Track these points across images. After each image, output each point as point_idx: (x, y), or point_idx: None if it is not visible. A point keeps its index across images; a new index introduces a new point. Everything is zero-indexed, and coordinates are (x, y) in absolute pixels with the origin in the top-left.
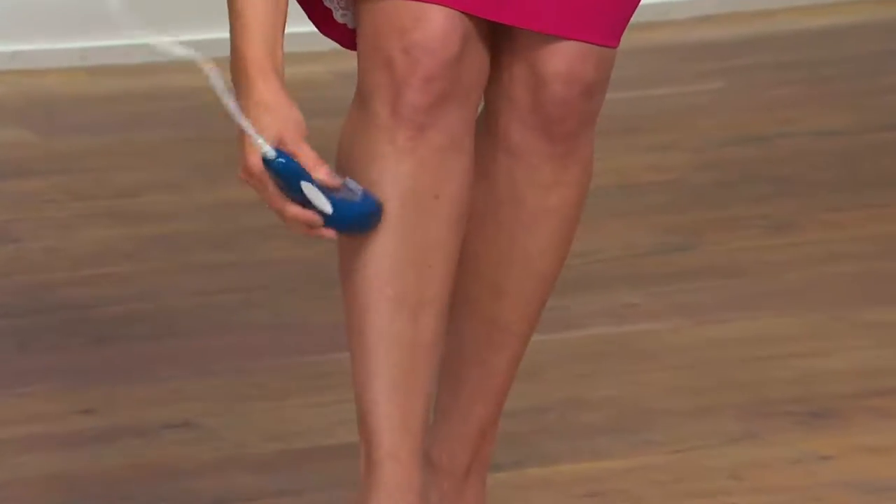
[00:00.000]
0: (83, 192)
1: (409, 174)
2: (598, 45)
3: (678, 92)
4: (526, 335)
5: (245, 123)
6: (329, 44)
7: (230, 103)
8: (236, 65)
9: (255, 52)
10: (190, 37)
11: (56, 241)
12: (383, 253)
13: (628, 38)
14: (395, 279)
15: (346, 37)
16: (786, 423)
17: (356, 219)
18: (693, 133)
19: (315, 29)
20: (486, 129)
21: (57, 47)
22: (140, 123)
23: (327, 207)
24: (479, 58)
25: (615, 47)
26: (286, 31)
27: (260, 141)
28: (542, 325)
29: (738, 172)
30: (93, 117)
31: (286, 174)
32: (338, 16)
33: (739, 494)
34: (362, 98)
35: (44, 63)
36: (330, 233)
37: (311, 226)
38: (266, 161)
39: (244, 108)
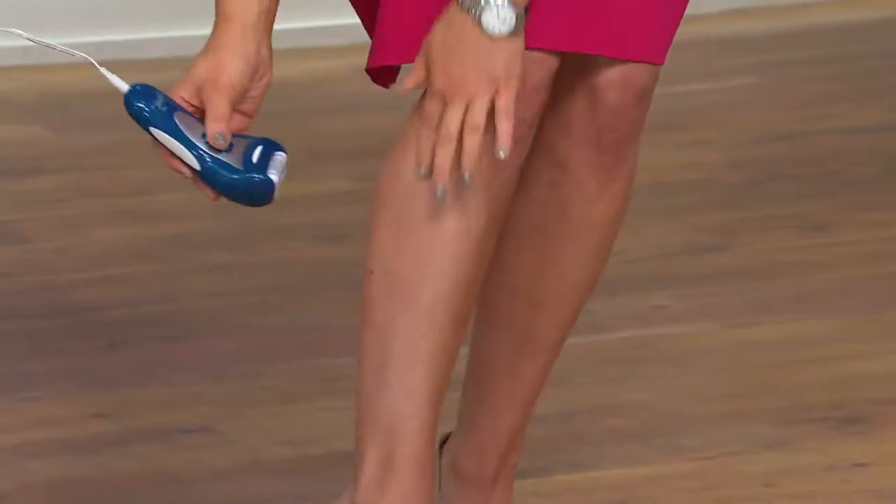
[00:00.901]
0: (96, 191)
1: (501, 190)
2: (648, 63)
3: (710, 88)
4: (558, 345)
5: (100, 67)
6: (347, 39)
7: (77, 54)
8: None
9: (228, 4)
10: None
11: (68, 241)
12: (461, 270)
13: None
14: (462, 294)
15: (386, 76)
16: (820, 429)
17: (225, 186)
18: (726, 130)
19: (332, 23)
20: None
21: (70, 42)
22: None
23: (193, 163)
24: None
25: (662, 64)
26: (304, 25)
27: (116, 81)
28: None
29: (772, 170)
30: (107, 113)
31: (137, 118)
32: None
33: (772, 502)
34: None
35: (57, 58)
36: (204, 188)
37: (184, 177)
38: (125, 102)
39: (198, 55)
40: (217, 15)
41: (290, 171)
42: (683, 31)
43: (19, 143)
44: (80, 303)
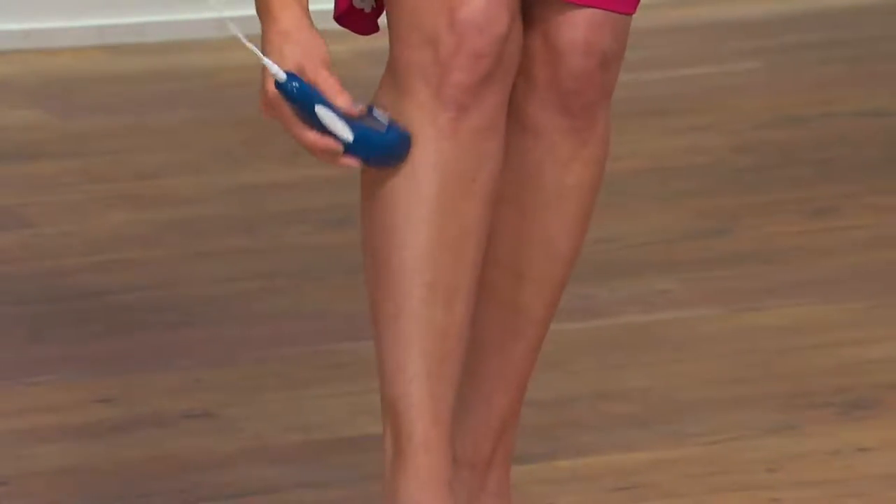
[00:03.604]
0: (99, 175)
1: (451, 156)
2: (615, 12)
3: (715, 71)
4: (546, 320)
5: (254, 49)
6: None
7: (236, 30)
8: (259, 2)
9: None
10: None
11: (71, 226)
12: (421, 236)
13: (663, 15)
14: (431, 264)
15: (362, 23)
16: (825, 415)
17: (379, 148)
18: (730, 114)
19: (330, 7)
20: None
21: (72, 25)
22: (159, 104)
23: (347, 134)
24: (518, 36)
25: (632, 14)
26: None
27: (270, 64)
28: (570, 313)
29: (778, 155)
30: (109, 98)
31: (298, 98)
32: (356, 0)
33: (776, 488)
34: (397, 75)
35: (59, 42)
36: (352, 161)
37: (331, 153)
38: (278, 86)
39: (267, 40)
40: (269, 1)
41: (292, 156)
42: (687, 15)
43: (22, 127)
44: (84, 288)
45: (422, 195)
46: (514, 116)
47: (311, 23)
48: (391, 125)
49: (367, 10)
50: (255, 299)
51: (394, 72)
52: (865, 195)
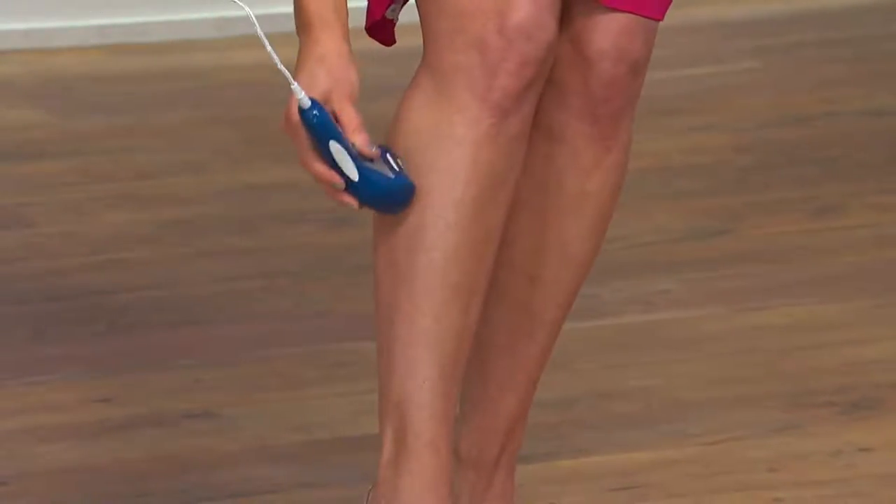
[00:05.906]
0: (100, 175)
1: (489, 161)
2: (647, 17)
3: (718, 71)
4: (558, 323)
5: (285, 71)
6: (355, 21)
7: (270, 50)
8: (300, 18)
9: (318, 5)
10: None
11: (72, 226)
12: (451, 239)
13: (666, 15)
14: (458, 266)
15: (389, 34)
16: (827, 414)
17: (381, 194)
18: (733, 114)
19: None
20: None
21: (73, 25)
22: (159, 103)
23: (353, 173)
24: (556, 43)
25: (661, 20)
26: None
27: (297, 90)
28: (572, 313)
29: (781, 155)
30: (110, 97)
31: (317, 129)
32: (388, 11)
33: (777, 488)
34: (438, 78)
35: (59, 41)
36: (350, 199)
37: (333, 188)
38: (301, 112)
39: (302, 59)
40: (310, 19)
41: (292, 156)
42: (690, 15)
43: (23, 127)
44: (86, 287)
45: (456, 199)
46: (539, 122)
47: (349, 48)
48: (400, 173)
49: (396, 20)
50: (255, 299)
51: (434, 74)
52: (869, 194)
